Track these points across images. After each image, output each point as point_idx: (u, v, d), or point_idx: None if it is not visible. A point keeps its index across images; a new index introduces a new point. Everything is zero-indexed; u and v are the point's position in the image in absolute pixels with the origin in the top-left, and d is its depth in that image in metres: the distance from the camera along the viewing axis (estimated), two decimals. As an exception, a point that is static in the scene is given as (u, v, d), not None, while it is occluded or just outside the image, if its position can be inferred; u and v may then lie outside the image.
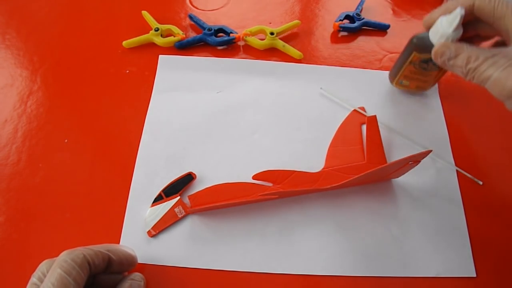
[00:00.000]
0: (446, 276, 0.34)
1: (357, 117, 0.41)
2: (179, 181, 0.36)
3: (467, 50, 0.30)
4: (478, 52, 0.30)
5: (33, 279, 0.27)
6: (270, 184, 0.37)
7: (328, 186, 0.35)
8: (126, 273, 0.31)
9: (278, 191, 0.35)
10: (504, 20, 0.30)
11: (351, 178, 0.34)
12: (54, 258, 0.28)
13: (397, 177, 0.38)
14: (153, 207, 0.35)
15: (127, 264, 0.31)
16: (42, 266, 0.27)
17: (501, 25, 0.30)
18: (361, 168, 0.38)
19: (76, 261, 0.26)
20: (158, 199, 0.36)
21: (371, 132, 0.39)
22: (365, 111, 0.42)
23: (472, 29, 0.33)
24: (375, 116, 0.40)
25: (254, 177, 0.37)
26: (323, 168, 0.38)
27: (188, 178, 0.37)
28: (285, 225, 0.35)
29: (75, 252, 0.27)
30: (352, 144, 0.39)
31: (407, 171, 0.36)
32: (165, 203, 0.35)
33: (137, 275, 0.31)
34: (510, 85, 0.28)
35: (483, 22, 0.32)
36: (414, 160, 0.33)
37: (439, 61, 0.32)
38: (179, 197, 0.36)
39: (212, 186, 0.36)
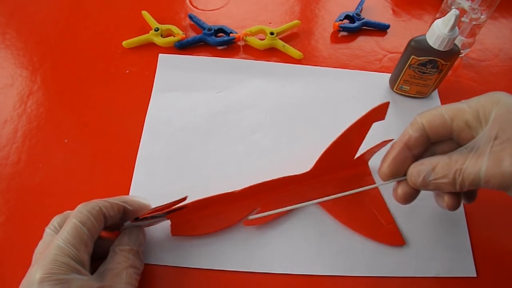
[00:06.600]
0: (446, 276, 0.34)
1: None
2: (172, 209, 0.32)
3: (441, 157, 0.27)
4: (452, 153, 0.27)
5: (48, 230, 0.28)
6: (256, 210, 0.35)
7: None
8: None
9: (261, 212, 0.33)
10: (456, 121, 0.27)
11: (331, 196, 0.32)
12: (65, 212, 0.29)
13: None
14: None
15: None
16: (54, 220, 0.29)
17: (455, 128, 0.27)
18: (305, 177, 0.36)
19: (91, 213, 0.28)
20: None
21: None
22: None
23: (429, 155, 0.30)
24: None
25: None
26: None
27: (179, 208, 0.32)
28: (285, 225, 0.35)
29: (91, 204, 0.28)
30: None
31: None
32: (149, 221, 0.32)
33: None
34: (507, 165, 0.24)
35: (437, 142, 0.29)
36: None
37: (418, 184, 0.28)
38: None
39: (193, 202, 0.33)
